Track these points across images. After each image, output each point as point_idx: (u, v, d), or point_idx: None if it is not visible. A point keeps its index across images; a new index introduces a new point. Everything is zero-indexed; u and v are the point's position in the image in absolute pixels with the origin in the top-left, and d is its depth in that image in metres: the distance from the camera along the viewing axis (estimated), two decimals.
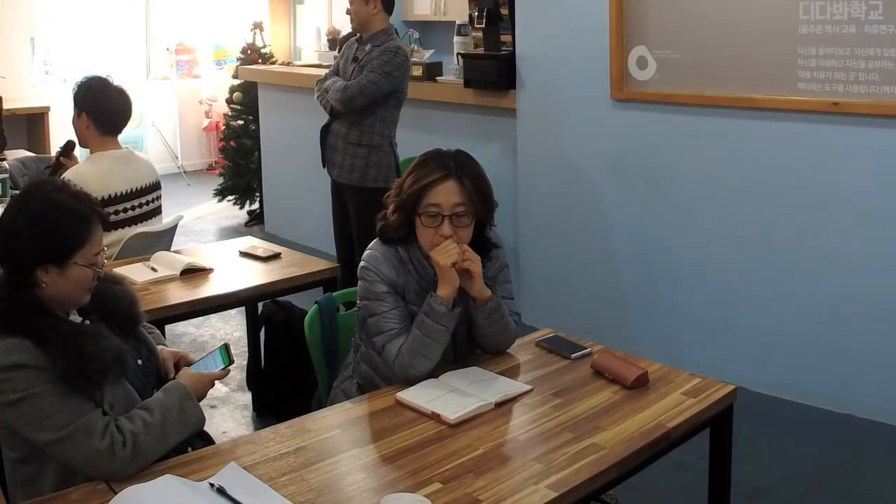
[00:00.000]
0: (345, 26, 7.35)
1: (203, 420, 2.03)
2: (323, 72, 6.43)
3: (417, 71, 5.24)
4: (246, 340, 3.98)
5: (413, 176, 2.32)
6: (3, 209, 2.37)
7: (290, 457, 1.91)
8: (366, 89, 4.18)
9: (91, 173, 3.39)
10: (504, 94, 4.67)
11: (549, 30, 4.42)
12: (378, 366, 2.35)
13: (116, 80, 3.61)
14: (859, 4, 3.39)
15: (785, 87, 3.63)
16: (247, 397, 3.92)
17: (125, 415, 1.90)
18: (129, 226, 3.49)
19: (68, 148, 3.88)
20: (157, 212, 3.69)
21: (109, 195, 3.39)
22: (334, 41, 7.50)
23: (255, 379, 3.83)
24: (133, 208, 3.50)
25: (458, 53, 5.14)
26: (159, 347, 2.24)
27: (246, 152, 7.17)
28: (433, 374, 2.26)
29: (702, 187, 3.97)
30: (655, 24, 4.00)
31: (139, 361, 2.09)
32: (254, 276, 3.30)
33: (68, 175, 3.35)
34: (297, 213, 6.40)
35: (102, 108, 3.45)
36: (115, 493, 1.72)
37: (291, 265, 3.39)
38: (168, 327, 3.35)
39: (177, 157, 9.07)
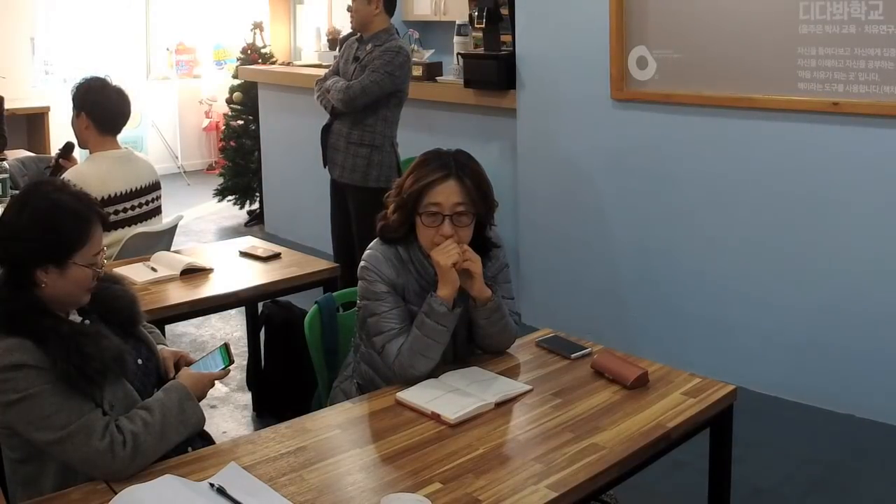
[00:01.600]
0: (345, 26, 7.35)
1: (203, 420, 2.03)
2: (323, 72, 6.43)
3: (417, 71, 5.24)
4: (246, 340, 3.98)
5: (413, 176, 2.32)
6: (3, 209, 2.37)
7: (290, 457, 1.91)
8: (368, 89, 4.18)
9: (91, 173, 3.39)
10: (504, 94, 4.67)
11: (549, 30, 4.42)
12: (378, 366, 2.35)
13: (116, 80, 3.62)
14: (859, 4, 3.39)
15: (785, 87, 3.63)
16: (247, 397, 3.92)
17: (125, 415, 1.90)
18: (129, 226, 3.50)
19: (67, 149, 3.88)
20: (156, 212, 3.69)
21: (109, 195, 3.39)
22: (334, 41, 7.49)
23: (255, 379, 3.83)
24: (132, 208, 3.50)
25: (458, 53, 5.14)
26: (159, 347, 2.24)
27: (246, 152, 7.17)
28: (433, 374, 2.26)
29: (702, 187, 3.97)
30: (655, 24, 4.00)
31: (139, 361, 2.09)
32: (254, 276, 3.30)
33: (68, 175, 3.35)
34: (297, 213, 6.40)
35: (101, 107, 3.46)
36: (115, 493, 1.72)
37: (291, 265, 3.39)
38: (168, 327, 3.35)
39: (177, 157, 9.08)
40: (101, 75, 3.66)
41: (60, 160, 3.87)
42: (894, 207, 3.45)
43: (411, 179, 2.32)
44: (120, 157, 3.52)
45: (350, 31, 7.00)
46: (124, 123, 3.56)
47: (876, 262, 3.52)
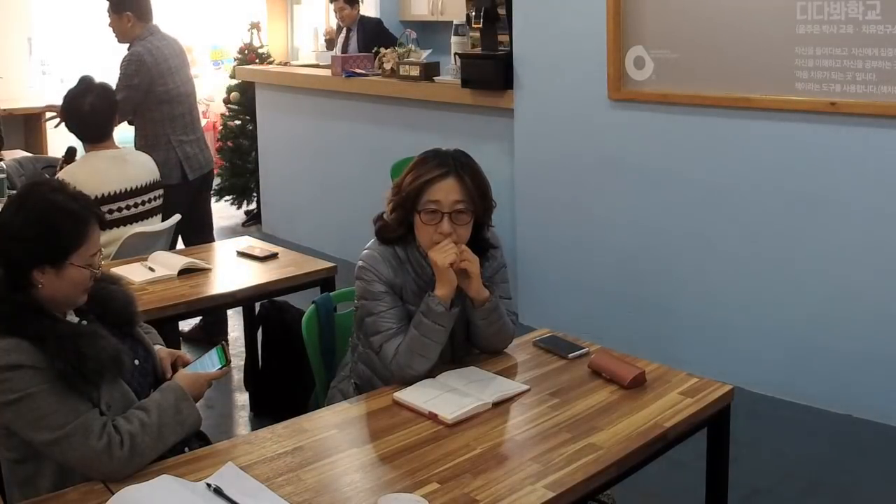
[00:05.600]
0: None
1: (199, 420, 2.03)
2: (320, 71, 6.42)
3: (415, 71, 5.24)
4: (243, 340, 3.98)
5: (413, 174, 2.32)
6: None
7: (288, 457, 1.91)
8: (120, 106, 4.12)
9: (81, 172, 3.42)
10: (501, 94, 4.67)
11: (546, 30, 4.42)
12: (375, 366, 2.35)
13: (102, 79, 3.67)
14: (857, 4, 3.40)
15: (782, 87, 3.63)
16: (244, 397, 3.91)
17: (122, 415, 1.89)
18: (124, 225, 3.50)
19: (70, 154, 3.89)
20: (155, 211, 3.69)
21: (102, 194, 3.40)
22: (332, 41, 7.50)
23: (253, 379, 3.83)
24: (128, 207, 3.51)
25: (455, 53, 5.14)
26: (156, 347, 2.24)
27: (243, 152, 7.16)
28: (431, 373, 2.26)
29: (699, 187, 3.97)
30: (653, 24, 4.00)
31: (136, 362, 2.09)
32: (251, 276, 3.30)
33: (60, 175, 3.37)
34: (295, 213, 6.40)
35: (78, 120, 3.56)
36: (113, 494, 1.72)
37: (289, 265, 3.39)
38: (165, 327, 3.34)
39: None
40: (86, 76, 3.70)
41: (66, 166, 3.88)
42: (892, 207, 3.46)
43: (411, 177, 2.31)
44: (113, 156, 3.53)
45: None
46: (107, 127, 3.59)
47: (873, 262, 3.53)
